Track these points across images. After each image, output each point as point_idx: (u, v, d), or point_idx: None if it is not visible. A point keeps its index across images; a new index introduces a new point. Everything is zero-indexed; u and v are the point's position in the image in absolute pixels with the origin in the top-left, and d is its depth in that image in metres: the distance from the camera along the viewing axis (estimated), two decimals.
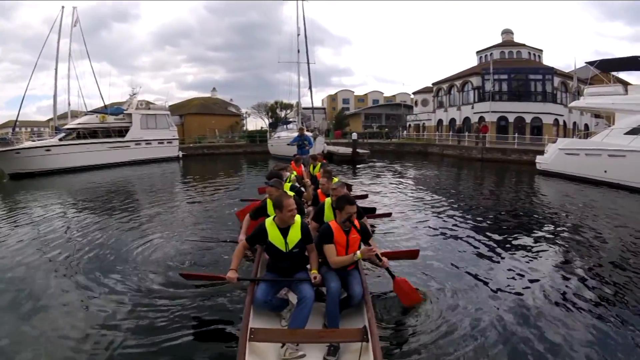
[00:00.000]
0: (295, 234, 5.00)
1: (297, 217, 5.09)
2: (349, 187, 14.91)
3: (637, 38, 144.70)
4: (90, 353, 4.70)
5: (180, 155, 37.33)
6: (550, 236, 10.15)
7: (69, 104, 35.86)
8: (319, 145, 30.52)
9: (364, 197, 12.40)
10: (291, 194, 6.84)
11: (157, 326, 5.32)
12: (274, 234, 4.98)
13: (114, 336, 5.05)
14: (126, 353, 4.75)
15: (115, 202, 14.58)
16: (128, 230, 10.33)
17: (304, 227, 5.11)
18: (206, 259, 7.93)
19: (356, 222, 5.25)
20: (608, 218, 12.43)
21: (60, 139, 29.11)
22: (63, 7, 34.76)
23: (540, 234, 10.34)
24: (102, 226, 10.71)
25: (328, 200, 6.61)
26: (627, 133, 17.59)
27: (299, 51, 38.64)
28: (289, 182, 9.29)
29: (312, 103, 40.13)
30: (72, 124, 31.59)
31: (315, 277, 4.87)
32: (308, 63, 38.27)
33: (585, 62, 23.66)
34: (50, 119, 41.72)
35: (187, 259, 7.91)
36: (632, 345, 4.90)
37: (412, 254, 7.09)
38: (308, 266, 5.20)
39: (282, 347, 4.44)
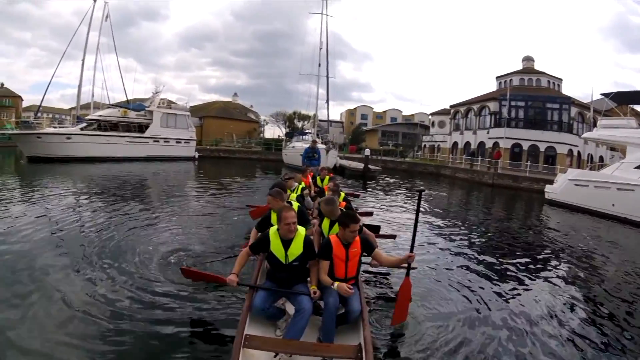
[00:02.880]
0: (296, 248, 4.97)
1: (302, 231, 5.09)
2: (354, 194, 15.09)
3: None
4: (84, 348, 4.72)
5: (197, 156, 37.82)
6: (552, 266, 10.20)
7: (93, 95, 36.58)
8: (332, 159, 30.85)
9: (369, 214, 12.26)
10: (296, 204, 6.92)
11: (153, 321, 5.40)
12: (275, 244, 4.99)
13: (108, 330, 5.10)
14: (119, 342, 4.86)
15: (127, 195, 14.98)
16: (136, 222, 10.57)
17: (307, 242, 5.07)
18: (209, 259, 7.93)
19: (357, 238, 5.21)
20: (611, 252, 12.45)
21: (81, 129, 29.75)
22: (95, 1, 35.49)
23: (541, 263, 10.40)
24: (111, 217, 11.03)
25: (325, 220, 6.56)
26: (637, 167, 17.57)
27: (319, 65, 39.14)
28: (297, 192, 9.26)
29: (328, 116, 40.37)
30: (94, 115, 32.36)
31: (315, 293, 4.85)
32: (327, 77, 38.67)
33: (601, 94, 23.67)
34: (73, 108, 42.50)
35: (190, 257, 8.00)
36: None
37: (407, 271, 7.28)
38: (309, 279, 5.18)
39: (275, 356, 4.47)
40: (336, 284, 4.80)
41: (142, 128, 33.87)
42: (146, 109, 35.14)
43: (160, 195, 16.17)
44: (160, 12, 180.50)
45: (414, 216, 5.91)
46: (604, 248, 12.97)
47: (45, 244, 8.36)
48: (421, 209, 17.20)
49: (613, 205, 18.05)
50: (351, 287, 4.82)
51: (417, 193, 5.98)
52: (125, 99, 36.77)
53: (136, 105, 35.16)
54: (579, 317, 6.90)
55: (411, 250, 5.53)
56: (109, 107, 34.31)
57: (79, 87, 35.59)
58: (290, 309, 5.20)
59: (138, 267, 7.32)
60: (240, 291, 5.98)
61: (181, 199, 15.22)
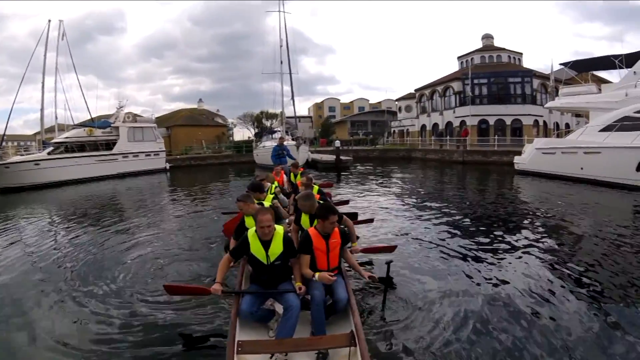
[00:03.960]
0: (277, 247, 4.91)
1: (280, 229, 5.02)
2: (328, 184, 15.08)
3: (615, 37, 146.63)
4: None
5: (168, 167, 37.16)
6: (530, 232, 10.41)
7: (56, 118, 35.25)
8: (303, 154, 30.78)
9: (345, 203, 12.29)
10: (269, 203, 6.98)
11: (143, 342, 5.21)
12: (255, 246, 4.92)
13: (98, 353, 4.94)
14: None
15: (103, 215, 14.36)
16: (115, 244, 10.13)
17: (287, 240, 5.01)
18: (192, 271, 7.78)
19: (336, 229, 5.23)
20: (585, 212, 12.82)
21: (48, 153, 28.93)
22: (50, 20, 34.50)
23: (519, 230, 10.59)
24: (90, 240, 10.56)
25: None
26: (602, 130, 17.98)
27: (282, 62, 38.92)
28: (272, 193, 9.06)
29: (295, 112, 40.25)
30: (60, 137, 31.37)
31: (300, 289, 4.81)
32: (290, 74, 38.52)
33: (560, 64, 24.20)
34: (38, 133, 41.17)
35: (172, 272, 7.76)
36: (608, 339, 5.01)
37: (390, 249, 7.32)
38: (293, 276, 5.15)
39: (270, 357, 4.42)
40: (317, 274, 4.82)
41: (109, 145, 32.95)
42: (111, 125, 34.14)
43: (136, 211, 15.65)
44: (116, 25, 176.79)
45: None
46: (578, 209, 13.30)
47: (23, 273, 8.04)
48: (396, 190, 17.30)
49: (582, 168, 18.45)
50: (332, 274, 4.85)
51: (386, 265, 5.90)
52: (89, 118, 35.51)
53: (101, 122, 34.17)
54: (561, 278, 7.03)
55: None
56: (74, 128, 33.32)
57: (42, 110, 34.33)
58: (279, 308, 5.18)
59: (120, 288, 7.02)
60: (226, 299, 5.79)
61: (157, 213, 14.90)
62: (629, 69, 19.23)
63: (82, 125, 33.67)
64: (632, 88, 18.16)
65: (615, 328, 5.19)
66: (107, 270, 7.87)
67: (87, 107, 36.00)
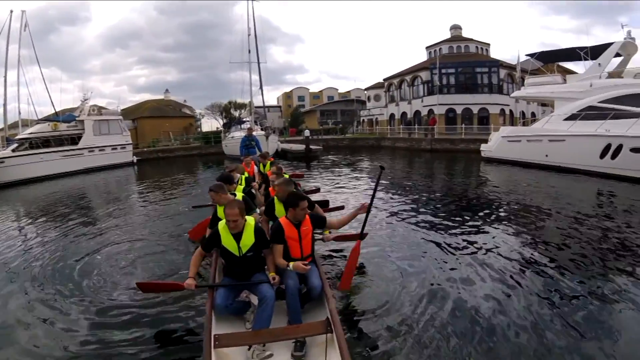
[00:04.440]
0: (248, 238, 4.88)
1: (250, 221, 5.00)
2: (300, 175, 15.09)
3: (582, 30, 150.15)
4: None
5: (135, 161, 36.02)
6: (497, 215, 10.84)
7: (19, 113, 33.58)
8: (272, 144, 30.54)
9: (316, 191, 12.29)
10: (240, 194, 6.93)
11: (117, 340, 5.10)
12: (226, 239, 4.89)
13: (70, 355, 4.80)
14: None
15: (70, 213, 13.78)
16: (85, 241, 9.76)
17: (258, 231, 4.99)
18: (164, 266, 7.61)
19: (307, 216, 5.23)
20: (548, 197, 13.22)
21: (13, 150, 27.66)
22: (12, 10, 33.11)
23: (487, 214, 10.93)
24: (58, 239, 10.13)
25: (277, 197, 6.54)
26: (566, 119, 18.48)
27: (249, 51, 38.16)
28: (242, 184, 9.00)
29: (264, 102, 40.02)
30: (24, 133, 29.91)
31: (274, 279, 4.80)
32: (259, 63, 38.01)
33: (526, 55, 24.73)
34: (0, 129, 39.59)
35: (144, 268, 7.58)
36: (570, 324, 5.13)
37: (361, 236, 7.37)
38: (266, 267, 5.13)
39: (248, 349, 4.42)
40: (291, 264, 4.81)
41: (75, 140, 31.66)
42: (76, 119, 32.90)
43: (104, 207, 15.04)
44: (80, 15, 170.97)
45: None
46: (543, 194, 13.78)
47: None
48: (366, 178, 17.36)
49: (546, 156, 18.98)
50: (307, 263, 4.86)
51: (380, 168, 6.51)
52: (53, 112, 34.24)
53: (66, 116, 32.81)
54: (528, 261, 7.26)
55: (370, 203, 5.86)
56: (38, 123, 31.85)
57: (4, 106, 33.02)
58: (254, 299, 5.14)
59: (91, 286, 6.78)
60: (201, 293, 5.73)
61: (125, 208, 14.44)
62: (594, 61, 19.79)
63: (47, 119, 32.19)
64: (597, 79, 18.72)
65: (575, 299, 5.61)
66: (76, 269, 7.64)
67: (51, 101, 34.65)
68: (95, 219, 12.46)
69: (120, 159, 34.46)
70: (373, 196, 6.06)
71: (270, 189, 8.23)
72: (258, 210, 7.53)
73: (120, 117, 37.22)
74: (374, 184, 6.11)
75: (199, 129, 61.52)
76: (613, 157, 15.63)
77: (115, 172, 29.86)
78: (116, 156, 34.29)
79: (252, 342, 4.37)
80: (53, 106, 34.29)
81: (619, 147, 15.39)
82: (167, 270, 7.37)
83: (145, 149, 43.52)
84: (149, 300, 6.07)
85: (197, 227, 8.61)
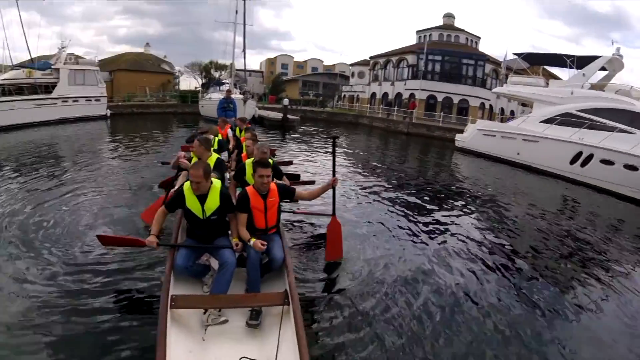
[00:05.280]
0: (213, 202, 4.81)
1: (217, 184, 4.92)
2: (273, 151, 14.98)
3: (572, 39, 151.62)
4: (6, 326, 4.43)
5: (109, 114, 34.64)
6: (461, 203, 11.22)
7: None
8: (250, 109, 30.17)
9: (289, 163, 12.23)
10: (214, 156, 6.79)
11: (72, 292, 5.09)
12: (191, 200, 4.80)
13: (27, 308, 4.77)
14: (40, 323, 4.53)
15: (38, 164, 13.22)
16: (49, 193, 9.47)
17: (223, 195, 4.91)
18: (127, 221, 7.61)
19: (272, 185, 5.16)
20: (515, 193, 13.68)
21: None
22: None
23: (453, 203, 11.26)
24: (23, 190, 9.74)
25: (249, 160, 6.48)
26: (543, 122, 18.83)
27: (237, 12, 36.82)
28: (214, 146, 8.85)
29: (245, 66, 38.98)
30: None
31: (237, 245, 4.78)
32: (245, 25, 36.98)
33: (514, 54, 24.82)
34: None
35: (107, 223, 7.50)
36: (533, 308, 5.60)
37: (328, 215, 7.40)
38: (230, 232, 5.10)
39: (204, 313, 4.41)
40: (252, 240, 4.72)
41: (49, 89, 30.01)
42: (52, 67, 31.09)
43: (73, 159, 14.51)
44: None
45: (331, 162, 6.11)
46: (510, 190, 14.18)
47: None
48: (340, 156, 17.37)
49: (518, 154, 19.31)
50: (264, 242, 4.75)
51: (331, 139, 6.42)
52: (29, 58, 32.60)
53: (41, 63, 30.89)
54: (489, 250, 7.62)
55: (333, 175, 5.97)
56: (12, 69, 29.78)
57: None
58: (214, 264, 5.11)
59: (52, 239, 6.69)
60: (161, 252, 5.64)
61: (95, 162, 13.92)
62: (579, 70, 20.11)
63: (21, 66, 30.78)
64: (579, 88, 19.06)
65: (529, 280, 6.31)
66: (39, 221, 7.49)
67: (28, 47, 32.76)
68: (63, 172, 12.11)
69: (93, 111, 33.17)
70: (333, 168, 6.21)
71: (243, 155, 8.09)
72: (228, 177, 7.46)
73: (97, 68, 35.53)
74: (332, 152, 6.24)
75: (177, 87, 59.98)
76: (583, 164, 15.99)
77: (87, 125, 28.77)
78: (90, 108, 32.97)
79: (208, 306, 4.41)
80: (29, 52, 32.42)
81: (590, 156, 15.74)
82: (130, 226, 7.33)
83: (120, 103, 41.84)
84: (109, 255, 6.04)
85: (150, 209, 8.28)
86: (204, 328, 4.32)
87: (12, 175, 11.52)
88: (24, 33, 31.99)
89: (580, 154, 16.19)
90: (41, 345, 4.21)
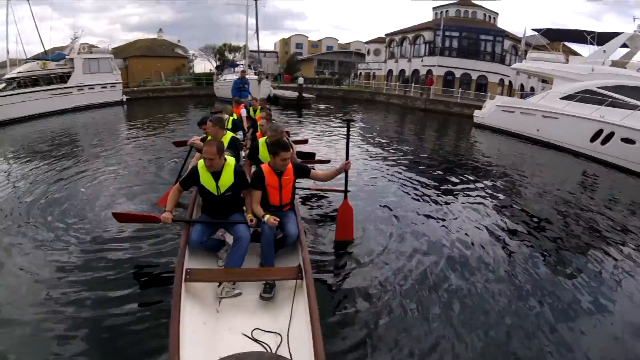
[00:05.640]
0: (227, 178, 4.85)
1: (231, 161, 4.95)
2: (287, 132, 14.97)
3: (594, 15, 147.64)
4: (28, 304, 4.58)
5: (124, 100, 34.85)
6: (480, 180, 11.03)
7: (8, 52, 31.23)
8: (264, 89, 30.17)
9: (304, 142, 12.13)
10: (229, 134, 6.88)
11: (88, 266, 5.27)
12: (205, 177, 4.84)
13: (42, 278, 5.01)
14: (56, 297, 4.69)
15: (60, 152, 13.29)
16: (68, 177, 9.70)
17: (238, 172, 4.94)
18: (145, 201, 7.81)
19: (289, 165, 5.17)
20: (533, 169, 13.53)
21: (1, 90, 26.90)
22: None
23: (471, 180, 11.05)
24: (44, 176, 9.90)
25: (262, 139, 6.49)
26: (563, 98, 18.41)
27: None
28: (229, 125, 8.89)
29: (259, 46, 38.76)
30: (12, 73, 28.27)
31: (251, 220, 4.83)
32: (257, 5, 36.82)
33: (532, 29, 24.40)
34: None
35: (124, 203, 7.74)
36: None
37: (342, 192, 7.43)
38: (245, 207, 5.14)
39: (218, 286, 4.48)
40: (266, 217, 4.75)
41: (64, 78, 30.35)
42: (66, 57, 31.41)
43: (91, 145, 14.82)
44: None
45: (345, 142, 6.12)
46: (528, 168, 13.85)
47: None
48: (356, 133, 17.37)
49: (538, 130, 18.98)
50: (277, 217, 4.78)
51: (346, 122, 6.39)
52: (43, 51, 32.55)
53: (55, 55, 31.27)
54: (508, 229, 7.52)
55: (346, 159, 5.88)
56: (26, 62, 30.10)
57: None
58: (229, 239, 5.20)
59: (70, 219, 6.92)
60: (177, 228, 5.81)
61: (114, 147, 14.05)
62: (600, 47, 19.50)
63: (36, 58, 30.83)
64: (599, 65, 18.49)
65: (557, 273, 5.91)
66: (60, 204, 7.73)
67: (41, 40, 32.52)
68: (79, 155, 12.39)
69: (109, 98, 33.44)
70: (347, 151, 6.16)
71: (258, 134, 8.10)
72: (243, 155, 7.49)
73: (111, 55, 35.63)
74: (346, 135, 6.18)
75: (192, 70, 59.95)
76: (603, 142, 15.63)
77: (104, 111, 29.11)
78: (106, 95, 33.25)
79: (222, 279, 4.47)
80: (42, 45, 32.46)
81: (611, 135, 15.40)
82: (146, 206, 7.53)
83: (135, 88, 42.09)
84: (124, 232, 6.22)
85: (166, 196, 8.40)
86: (218, 300, 4.41)
87: (32, 160, 11.79)
88: (37, 26, 32.15)
89: (600, 131, 15.82)
90: (57, 316, 4.37)
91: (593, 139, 16.05)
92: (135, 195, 8.19)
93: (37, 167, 10.90)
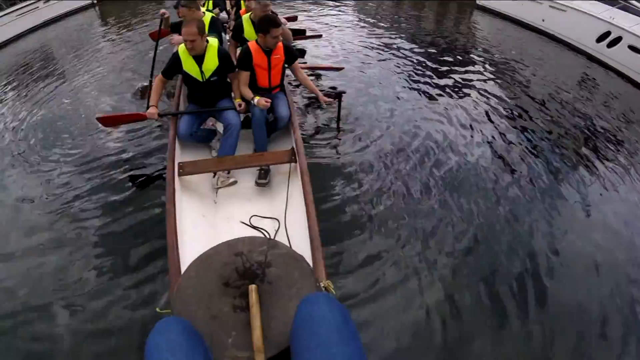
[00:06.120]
0: (211, 62, 4.62)
1: (213, 42, 4.67)
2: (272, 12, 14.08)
3: None
4: (26, 230, 4.61)
5: (95, 1, 31.38)
6: (477, 66, 10.97)
7: None
8: None
9: (294, 19, 11.57)
10: (209, 15, 6.58)
11: (84, 179, 5.30)
12: (187, 63, 4.61)
13: (36, 194, 5.12)
14: (51, 209, 4.81)
15: (35, 71, 12.17)
16: (50, 93, 9.24)
17: (222, 54, 4.70)
18: (130, 104, 7.71)
19: (280, 44, 4.90)
20: (533, 61, 13.42)
21: None
22: None
23: (467, 66, 10.87)
24: (26, 100, 9.30)
25: (246, 16, 6.10)
26: None
27: None
28: (208, 6, 8.42)
29: None
30: None
31: (240, 105, 4.72)
32: None
33: None
34: None
35: (110, 107, 7.66)
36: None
37: (337, 69, 7.77)
38: (233, 92, 5.01)
39: (214, 176, 4.59)
40: (256, 99, 4.68)
41: None
42: None
43: (69, 56, 13.54)
44: None
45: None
46: (528, 59, 13.58)
47: None
48: (346, 16, 16.62)
49: (543, 20, 18.06)
50: (268, 99, 4.71)
51: (337, 95, 6.37)
52: None
53: None
54: (503, 121, 7.71)
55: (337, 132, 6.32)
56: None
57: None
58: (220, 127, 5.24)
59: (60, 137, 6.77)
60: (164, 123, 5.74)
61: (90, 51, 13.24)
62: None
63: None
64: None
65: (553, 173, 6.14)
66: (44, 124, 7.49)
67: None
68: (57, 69, 11.71)
69: (79, 3, 29.80)
70: (338, 124, 6.34)
71: (242, 11, 7.61)
72: (227, 37, 7.17)
73: None
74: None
75: None
76: (609, 46, 15.04)
77: (75, 18, 25.87)
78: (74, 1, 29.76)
79: (216, 169, 4.53)
80: None
81: (618, 39, 14.69)
82: (131, 105, 7.60)
83: None
84: (111, 136, 6.29)
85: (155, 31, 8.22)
86: (214, 191, 4.48)
87: (7, 88, 10.97)
88: None
89: (608, 33, 15.01)
90: (51, 228, 4.52)
91: (599, 40, 15.48)
92: (119, 95, 8.19)
93: (13, 89, 10.42)
